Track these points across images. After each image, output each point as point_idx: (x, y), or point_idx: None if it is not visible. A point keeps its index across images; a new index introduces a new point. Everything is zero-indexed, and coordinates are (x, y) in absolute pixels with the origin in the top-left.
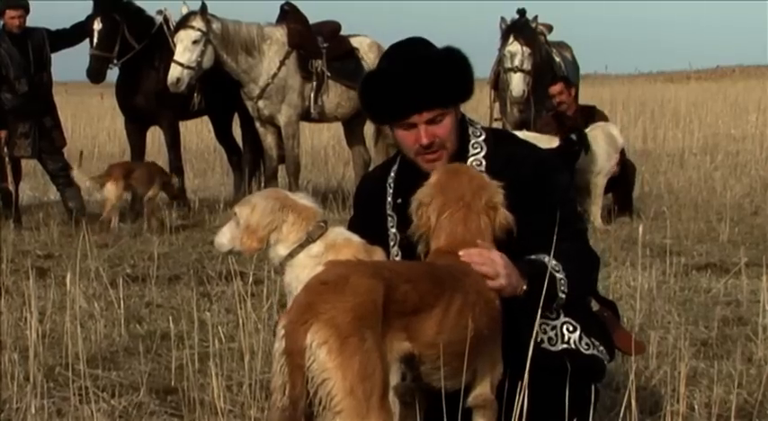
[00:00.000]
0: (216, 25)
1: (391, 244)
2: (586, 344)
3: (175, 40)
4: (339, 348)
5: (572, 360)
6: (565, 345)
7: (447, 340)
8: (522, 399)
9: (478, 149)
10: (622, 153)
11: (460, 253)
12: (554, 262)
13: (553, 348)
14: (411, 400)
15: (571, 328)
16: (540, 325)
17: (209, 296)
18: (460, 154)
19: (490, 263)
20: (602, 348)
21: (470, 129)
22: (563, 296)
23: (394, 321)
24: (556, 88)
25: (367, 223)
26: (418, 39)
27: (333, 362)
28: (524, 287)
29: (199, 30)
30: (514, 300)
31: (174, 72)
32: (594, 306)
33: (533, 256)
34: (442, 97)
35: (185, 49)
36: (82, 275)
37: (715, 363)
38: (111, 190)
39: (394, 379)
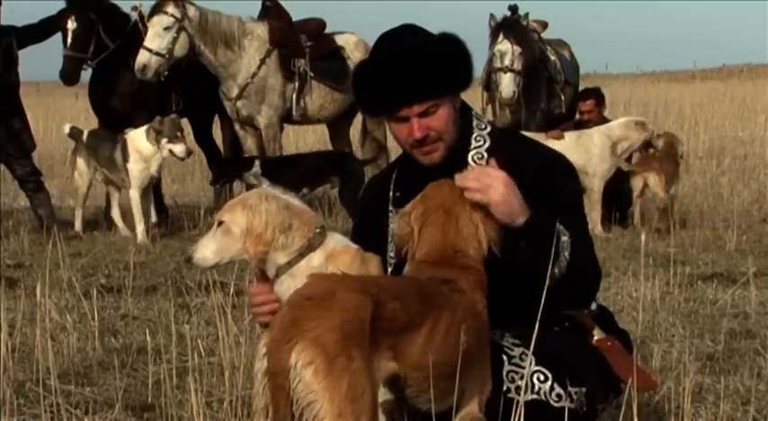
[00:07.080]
0: (193, 12)
1: (389, 240)
2: (557, 395)
3: (148, 25)
4: (326, 369)
5: (541, 413)
6: (534, 396)
7: (434, 361)
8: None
9: (481, 142)
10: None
11: (456, 176)
12: (561, 227)
13: (519, 398)
14: (399, 417)
15: (542, 378)
16: (508, 373)
17: (188, 308)
18: (462, 146)
19: (485, 188)
20: (579, 397)
21: (475, 122)
22: (566, 260)
23: (381, 339)
24: (587, 105)
25: (370, 225)
26: (408, 26)
27: (320, 383)
28: (524, 219)
29: (172, 16)
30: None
31: (142, 58)
32: (598, 334)
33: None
34: (431, 88)
35: (156, 34)
36: (53, 286)
37: (722, 379)
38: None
39: (381, 396)
